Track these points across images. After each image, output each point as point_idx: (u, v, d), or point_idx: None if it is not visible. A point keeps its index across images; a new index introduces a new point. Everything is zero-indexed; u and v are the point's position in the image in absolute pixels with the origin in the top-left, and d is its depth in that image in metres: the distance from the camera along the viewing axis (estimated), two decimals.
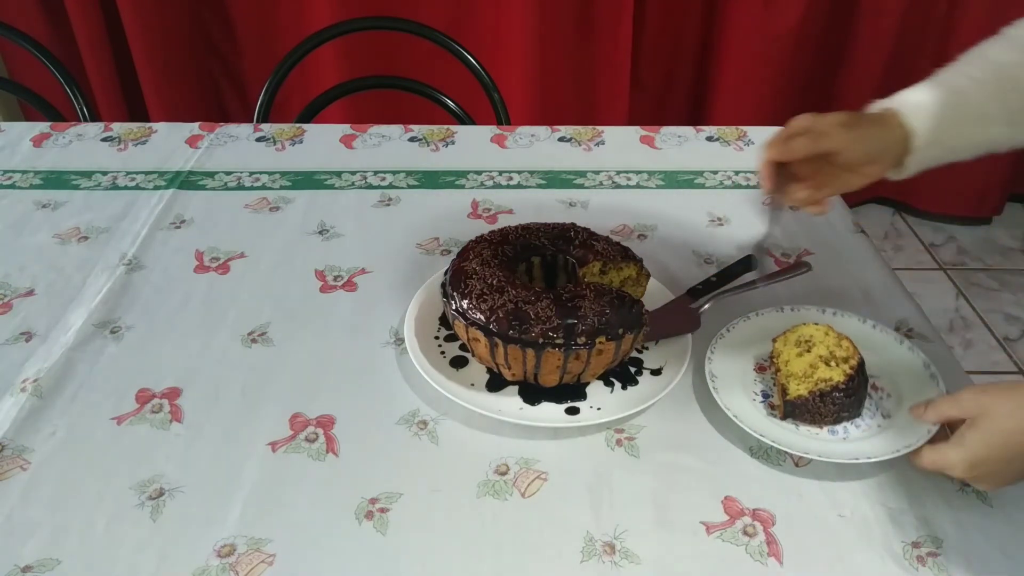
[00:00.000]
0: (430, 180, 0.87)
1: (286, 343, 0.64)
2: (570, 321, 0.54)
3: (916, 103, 0.57)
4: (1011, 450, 0.47)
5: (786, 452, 0.54)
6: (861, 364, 0.57)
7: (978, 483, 0.50)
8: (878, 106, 0.58)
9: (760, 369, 0.62)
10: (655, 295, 0.66)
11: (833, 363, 0.57)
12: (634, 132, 0.96)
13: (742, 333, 0.63)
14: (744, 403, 0.58)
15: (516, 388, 0.58)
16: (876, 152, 0.57)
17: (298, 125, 0.97)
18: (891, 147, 0.57)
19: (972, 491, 0.52)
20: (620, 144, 0.94)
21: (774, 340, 0.60)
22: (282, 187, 0.85)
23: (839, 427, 0.56)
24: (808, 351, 0.58)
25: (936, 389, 0.58)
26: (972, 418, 0.48)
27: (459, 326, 0.57)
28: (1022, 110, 0.57)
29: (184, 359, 0.62)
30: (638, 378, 0.60)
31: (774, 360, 0.59)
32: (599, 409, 0.57)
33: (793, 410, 0.56)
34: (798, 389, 0.56)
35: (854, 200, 1.93)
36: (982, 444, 0.47)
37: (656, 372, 0.60)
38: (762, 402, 0.59)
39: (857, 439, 0.55)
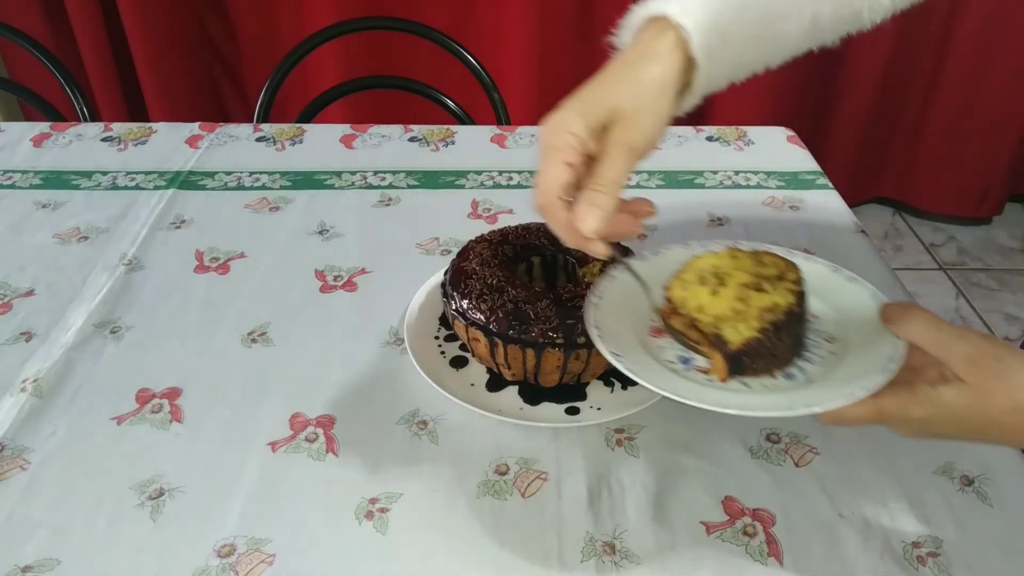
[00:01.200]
0: (430, 180, 0.87)
1: (286, 343, 0.64)
2: (570, 321, 0.54)
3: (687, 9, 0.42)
4: (979, 430, 0.42)
5: (780, 417, 0.46)
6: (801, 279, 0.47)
7: (900, 432, 0.44)
8: (628, 35, 0.45)
9: (657, 332, 0.50)
10: None
11: (767, 285, 0.46)
12: None
13: (618, 294, 0.51)
14: (670, 379, 0.45)
15: (516, 388, 0.58)
16: (662, 114, 0.42)
17: (298, 125, 0.97)
18: (668, 89, 0.42)
19: (973, 491, 0.52)
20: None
21: (667, 289, 0.48)
22: (282, 187, 0.85)
23: (795, 368, 0.46)
24: (723, 284, 0.46)
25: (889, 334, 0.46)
26: (965, 371, 0.41)
27: (459, 326, 0.57)
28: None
29: (184, 359, 0.62)
30: None
31: (677, 313, 0.47)
32: (599, 409, 0.57)
33: (741, 363, 0.45)
34: (742, 332, 0.44)
35: (854, 200, 1.94)
36: (965, 410, 0.41)
37: None
38: (685, 368, 0.47)
39: (820, 379, 0.46)
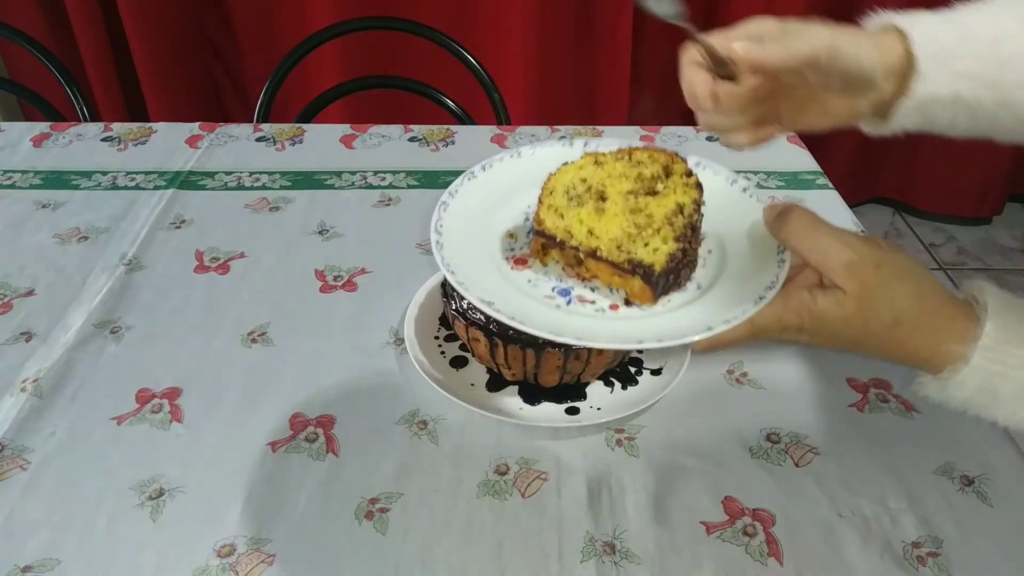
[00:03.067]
0: (430, 180, 0.86)
1: (286, 343, 0.64)
2: None
3: (930, 29, 0.39)
4: (856, 342, 0.40)
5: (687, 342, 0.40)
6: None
7: (776, 339, 0.42)
8: (877, 22, 0.42)
9: (519, 263, 0.44)
10: None
11: (659, 185, 0.41)
12: (634, 132, 0.96)
13: (460, 225, 0.44)
14: (556, 319, 0.40)
15: (516, 388, 0.58)
16: (858, 75, 0.40)
17: (298, 125, 0.97)
18: (879, 78, 0.40)
19: (973, 491, 0.52)
20: (620, 144, 0.93)
21: (535, 220, 0.42)
22: (282, 187, 0.85)
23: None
24: (604, 198, 0.41)
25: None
26: (844, 279, 0.39)
27: (459, 326, 0.57)
28: None
29: (184, 359, 0.62)
30: (638, 378, 0.60)
31: (551, 246, 0.41)
32: (599, 409, 0.57)
33: (665, 282, 0.40)
34: (661, 248, 0.39)
35: (854, 200, 1.94)
36: (841, 322, 0.39)
37: (656, 372, 0.60)
38: (567, 302, 0.42)
39: (708, 289, 0.43)
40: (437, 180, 0.87)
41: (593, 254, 0.41)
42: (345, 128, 0.95)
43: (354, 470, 0.53)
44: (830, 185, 0.87)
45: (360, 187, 0.85)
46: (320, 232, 0.77)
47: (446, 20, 1.48)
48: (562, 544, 0.49)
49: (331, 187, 0.85)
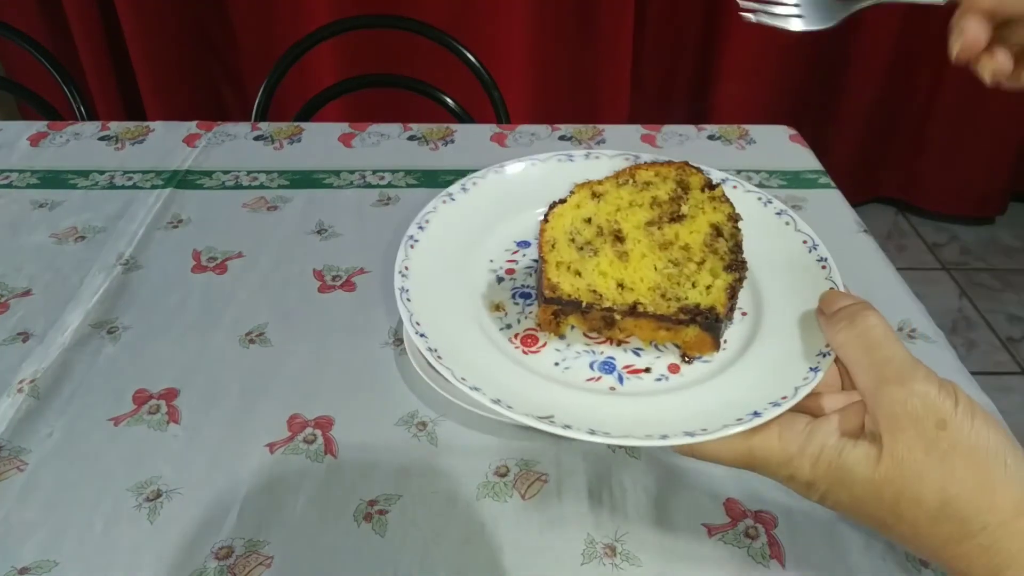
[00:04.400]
0: (429, 179, 0.86)
1: (284, 344, 0.63)
2: None
3: None
4: (878, 520, 0.31)
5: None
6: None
7: (809, 496, 0.33)
8: None
9: (528, 341, 0.36)
10: None
11: (684, 207, 0.34)
12: (635, 131, 0.95)
13: (429, 264, 0.37)
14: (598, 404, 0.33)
15: None
16: None
17: (296, 124, 0.96)
18: None
19: None
20: (621, 143, 0.93)
21: (546, 287, 0.34)
22: (280, 186, 0.84)
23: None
24: (621, 238, 0.34)
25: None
26: (890, 430, 0.29)
27: None
28: None
29: (182, 360, 0.62)
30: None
31: (586, 309, 0.33)
32: None
33: (721, 326, 0.34)
34: (716, 284, 0.33)
35: (856, 199, 1.93)
36: (868, 489, 0.30)
37: None
38: (614, 378, 0.34)
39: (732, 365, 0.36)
40: (437, 179, 0.86)
41: (632, 311, 0.34)
42: (344, 127, 0.95)
43: (353, 472, 0.53)
44: (832, 184, 0.87)
45: (359, 186, 0.84)
46: (318, 232, 0.77)
47: (446, 18, 1.48)
48: (562, 546, 0.48)
49: (329, 186, 0.84)
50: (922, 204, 1.96)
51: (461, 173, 0.87)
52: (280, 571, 0.47)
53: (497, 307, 0.39)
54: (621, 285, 0.35)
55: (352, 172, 0.87)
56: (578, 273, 0.35)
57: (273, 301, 0.68)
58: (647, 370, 0.36)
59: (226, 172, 0.86)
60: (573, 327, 0.36)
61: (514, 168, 0.43)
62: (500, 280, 0.40)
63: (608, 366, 0.36)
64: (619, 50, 1.63)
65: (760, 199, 0.41)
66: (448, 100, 1.11)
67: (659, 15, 1.67)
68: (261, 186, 0.84)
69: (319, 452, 0.54)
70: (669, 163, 0.37)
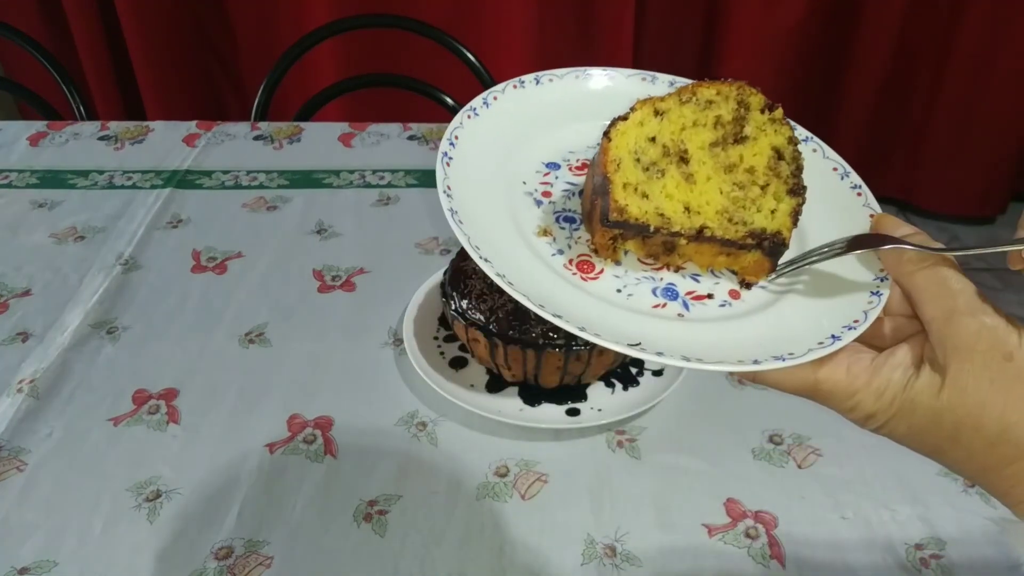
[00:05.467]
0: (429, 179, 0.86)
1: (284, 344, 0.63)
2: None
3: None
4: (937, 448, 0.31)
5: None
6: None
7: (866, 425, 0.33)
8: None
9: (584, 267, 0.35)
10: None
11: (747, 128, 0.34)
12: None
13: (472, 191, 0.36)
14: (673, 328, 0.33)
15: (516, 389, 0.58)
16: None
17: (296, 123, 0.96)
18: None
19: (976, 492, 0.52)
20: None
21: (613, 207, 0.33)
22: (280, 186, 0.84)
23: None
24: (686, 159, 0.33)
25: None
26: (957, 361, 0.30)
27: (459, 326, 0.57)
28: None
29: (181, 360, 0.61)
30: (639, 379, 0.59)
31: (652, 233, 0.33)
32: (600, 410, 0.56)
33: (781, 250, 0.34)
34: (781, 207, 0.33)
35: None
36: (931, 416, 0.30)
37: (657, 373, 0.59)
38: (683, 309, 0.34)
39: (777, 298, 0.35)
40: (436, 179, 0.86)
41: (699, 235, 0.33)
42: (343, 126, 0.95)
43: (352, 472, 0.53)
44: None
45: (358, 186, 0.84)
46: (318, 232, 0.77)
47: (445, 17, 1.48)
48: (562, 547, 0.48)
49: (329, 186, 0.84)
50: (922, 204, 1.95)
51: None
52: (280, 571, 0.47)
53: (545, 231, 0.37)
54: (688, 209, 0.34)
55: (352, 172, 0.87)
56: (645, 195, 0.34)
57: (273, 301, 0.68)
58: (710, 296, 0.35)
59: (226, 172, 0.86)
60: (628, 252, 0.36)
61: (531, 83, 0.42)
62: (539, 203, 0.39)
63: (671, 292, 0.36)
64: (619, 49, 1.63)
65: (836, 169, 0.41)
66: (448, 100, 1.11)
67: (659, 13, 1.67)
68: (261, 186, 0.84)
69: (319, 452, 0.54)
70: (727, 81, 0.37)
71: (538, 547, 0.48)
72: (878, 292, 0.34)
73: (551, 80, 0.42)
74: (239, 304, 0.67)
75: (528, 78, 0.42)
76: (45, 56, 1.07)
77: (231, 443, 0.55)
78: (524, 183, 0.39)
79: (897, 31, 1.70)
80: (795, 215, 0.34)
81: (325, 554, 0.48)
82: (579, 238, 0.37)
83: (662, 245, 0.35)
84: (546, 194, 0.39)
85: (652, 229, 0.34)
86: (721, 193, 0.34)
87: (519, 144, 0.40)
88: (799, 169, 0.35)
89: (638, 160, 0.35)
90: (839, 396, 0.33)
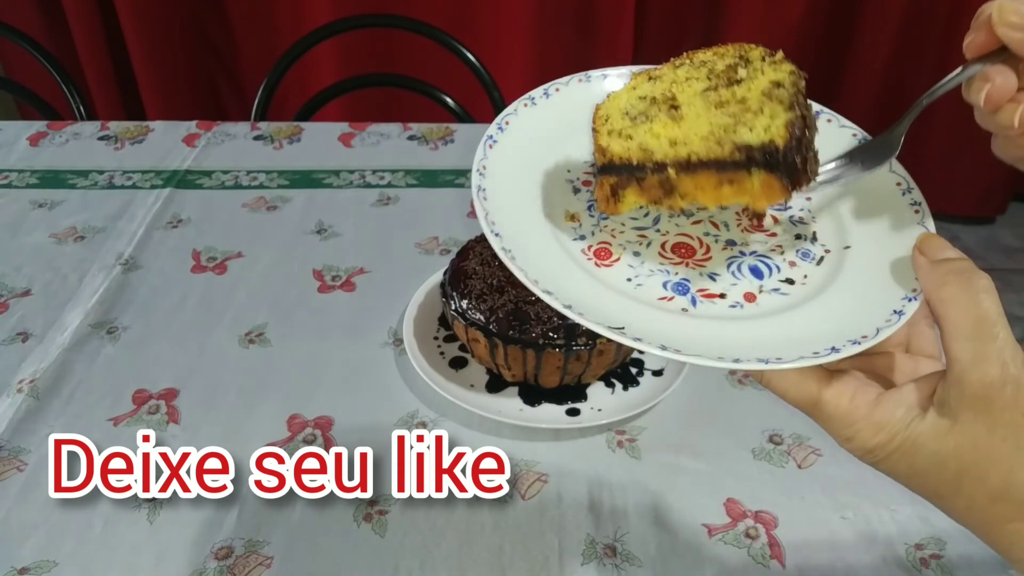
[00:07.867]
0: (429, 179, 0.86)
1: (284, 344, 0.63)
2: (571, 322, 0.54)
3: None
4: (935, 492, 0.30)
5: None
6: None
7: (863, 457, 0.33)
8: None
9: (602, 254, 0.36)
10: None
11: (741, 71, 0.33)
12: None
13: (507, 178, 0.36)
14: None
15: (516, 389, 0.58)
16: None
17: (296, 123, 0.96)
18: None
19: None
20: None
21: (598, 154, 0.33)
22: (280, 186, 0.84)
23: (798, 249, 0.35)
24: (675, 104, 0.33)
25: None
26: (970, 403, 0.28)
27: (459, 326, 0.57)
28: None
29: (181, 360, 0.61)
30: (639, 379, 0.59)
31: (639, 172, 0.32)
32: (600, 410, 0.56)
33: (793, 167, 0.31)
34: (775, 121, 0.31)
35: None
36: (933, 460, 0.29)
37: (657, 373, 0.59)
38: (688, 303, 0.34)
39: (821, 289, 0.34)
40: (436, 179, 0.86)
41: (687, 165, 0.31)
42: (343, 126, 0.95)
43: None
44: None
45: (358, 186, 0.84)
46: (318, 232, 0.77)
47: (445, 17, 1.48)
48: (562, 547, 0.48)
49: (329, 186, 0.84)
50: None
51: (461, 173, 0.87)
52: (280, 572, 0.47)
53: (572, 217, 0.38)
54: (674, 142, 0.32)
55: (352, 172, 0.87)
56: (629, 137, 0.33)
57: (273, 301, 0.68)
58: (722, 295, 0.35)
59: (226, 172, 0.86)
60: (639, 207, 0.35)
61: (597, 77, 0.41)
62: (576, 191, 0.39)
63: (682, 287, 0.35)
64: (619, 49, 1.63)
65: (855, 135, 0.40)
66: (448, 99, 1.11)
67: (660, 12, 1.67)
68: (261, 186, 0.84)
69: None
70: (734, 46, 0.36)
71: (538, 547, 0.48)
72: (901, 312, 0.33)
73: (619, 76, 0.41)
74: (239, 304, 0.67)
75: (595, 73, 0.41)
76: (45, 56, 1.07)
77: (231, 443, 0.55)
78: (568, 172, 0.39)
79: (897, 31, 1.70)
80: (791, 127, 0.31)
81: (325, 554, 0.48)
82: (605, 226, 0.37)
83: (660, 188, 0.33)
84: (586, 183, 0.39)
85: (635, 165, 0.32)
86: (712, 124, 0.32)
87: (574, 135, 0.39)
88: (800, 93, 0.33)
89: (627, 113, 0.34)
90: (838, 422, 0.32)
